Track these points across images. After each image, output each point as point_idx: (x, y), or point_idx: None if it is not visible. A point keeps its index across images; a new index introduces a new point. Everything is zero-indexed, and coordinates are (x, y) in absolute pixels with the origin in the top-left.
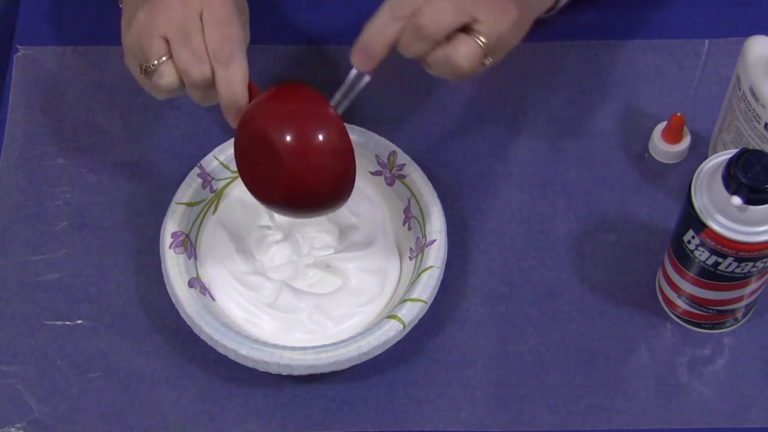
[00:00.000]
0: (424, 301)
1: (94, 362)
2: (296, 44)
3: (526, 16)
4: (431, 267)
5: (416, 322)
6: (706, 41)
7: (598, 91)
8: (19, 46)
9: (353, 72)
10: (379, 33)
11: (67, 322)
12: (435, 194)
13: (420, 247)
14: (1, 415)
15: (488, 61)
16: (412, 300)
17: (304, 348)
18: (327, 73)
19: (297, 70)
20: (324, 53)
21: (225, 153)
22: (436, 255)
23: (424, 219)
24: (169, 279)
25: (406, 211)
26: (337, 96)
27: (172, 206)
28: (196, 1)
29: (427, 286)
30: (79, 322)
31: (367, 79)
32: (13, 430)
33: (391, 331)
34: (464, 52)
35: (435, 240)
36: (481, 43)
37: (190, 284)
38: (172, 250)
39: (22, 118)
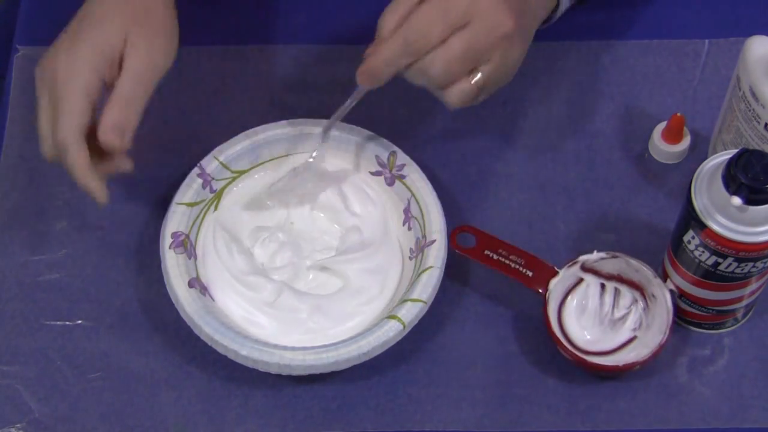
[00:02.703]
0: (424, 302)
1: (94, 362)
2: (296, 44)
3: (525, 41)
4: (431, 267)
5: (416, 322)
6: (706, 41)
7: (598, 91)
8: (19, 46)
9: (359, 87)
10: (387, 64)
11: (67, 323)
12: (435, 194)
13: (420, 248)
14: (1, 415)
15: (481, 98)
16: (412, 300)
17: (304, 348)
18: (327, 73)
19: (297, 70)
20: (324, 53)
21: (225, 153)
22: (436, 255)
23: (424, 219)
24: (169, 279)
25: (406, 211)
26: (342, 110)
27: (173, 206)
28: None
29: (427, 287)
30: (79, 322)
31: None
32: (12, 430)
33: (390, 332)
34: (455, 91)
35: (435, 240)
36: (475, 84)
37: (190, 284)
38: (172, 250)
39: (22, 118)
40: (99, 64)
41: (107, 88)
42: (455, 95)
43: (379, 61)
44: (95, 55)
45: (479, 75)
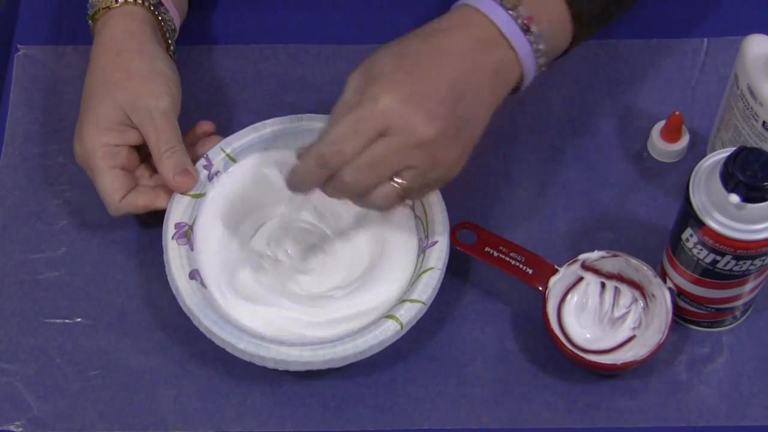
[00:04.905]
0: (423, 302)
1: (94, 360)
2: (296, 44)
3: (459, 137)
4: (432, 268)
5: (414, 322)
6: (705, 40)
7: (598, 91)
8: (19, 45)
9: None
10: (303, 180)
11: (67, 320)
12: (440, 195)
13: (422, 248)
14: (1, 413)
15: (409, 202)
16: (411, 301)
17: (302, 344)
18: (327, 73)
19: (297, 70)
20: (324, 53)
21: (232, 146)
22: (438, 257)
23: (428, 220)
24: (170, 270)
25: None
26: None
27: (177, 197)
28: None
29: (427, 287)
30: (79, 320)
31: None
32: (12, 427)
33: (388, 331)
34: (378, 193)
35: (437, 242)
36: (399, 187)
37: (191, 276)
38: (174, 241)
39: (23, 117)
40: (107, 138)
41: (137, 136)
42: (378, 197)
43: (295, 178)
44: (99, 136)
45: (402, 180)
